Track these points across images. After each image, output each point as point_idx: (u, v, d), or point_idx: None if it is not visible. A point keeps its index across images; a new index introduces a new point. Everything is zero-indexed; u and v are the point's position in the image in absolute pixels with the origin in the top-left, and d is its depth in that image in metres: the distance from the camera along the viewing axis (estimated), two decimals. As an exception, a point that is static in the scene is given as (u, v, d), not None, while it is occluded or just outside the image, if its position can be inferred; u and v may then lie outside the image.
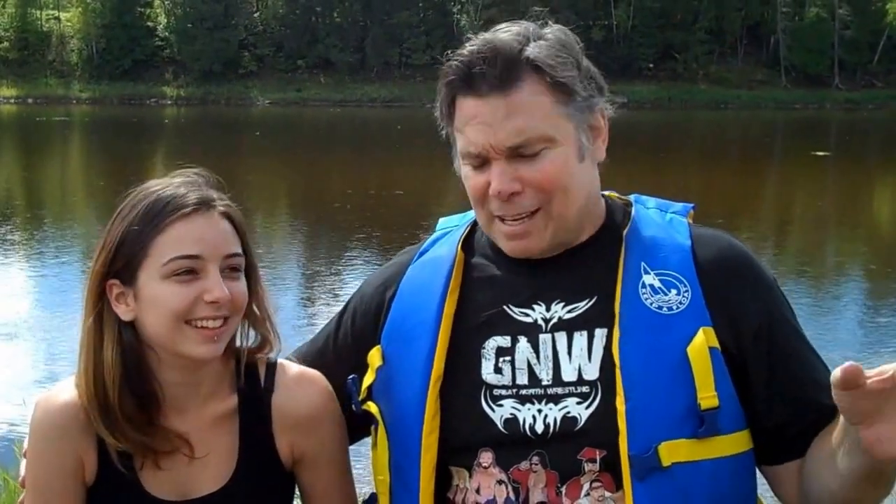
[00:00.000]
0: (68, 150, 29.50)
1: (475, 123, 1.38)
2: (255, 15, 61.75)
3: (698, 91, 55.08)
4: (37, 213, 15.79)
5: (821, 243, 14.16)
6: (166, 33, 59.28)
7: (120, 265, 1.38)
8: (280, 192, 19.11)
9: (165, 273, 1.36)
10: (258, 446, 1.45)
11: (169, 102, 54.03)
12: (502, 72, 1.36)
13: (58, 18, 60.54)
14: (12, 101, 52.12)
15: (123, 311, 1.39)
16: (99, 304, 1.39)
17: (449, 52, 1.44)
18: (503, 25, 1.42)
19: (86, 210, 16.22)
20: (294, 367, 1.51)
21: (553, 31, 1.42)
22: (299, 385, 1.48)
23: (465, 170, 1.44)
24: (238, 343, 1.47)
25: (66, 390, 1.43)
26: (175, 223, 1.37)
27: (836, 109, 51.30)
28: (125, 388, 1.37)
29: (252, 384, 1.47)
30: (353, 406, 1.47)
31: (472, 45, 1.39)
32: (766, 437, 1.38)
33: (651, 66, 56.97)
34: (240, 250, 1.42)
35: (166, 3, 60.32)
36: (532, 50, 1.38)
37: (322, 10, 61.51)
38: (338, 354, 1.55)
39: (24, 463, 1.48)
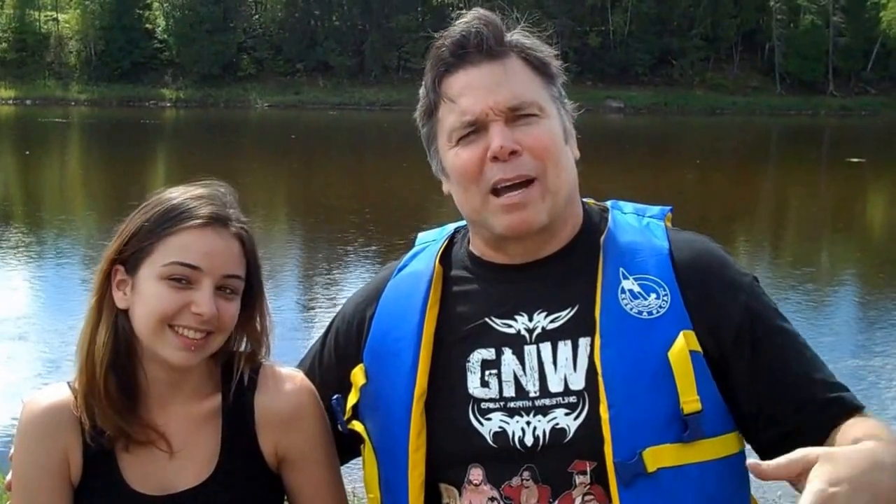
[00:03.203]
0: (68, 152, 29.68)
1: (471, 91, 1.39)
2: (254, 18, 61.92)
3: (694, 97, 55.39)
4: (37, 215, 15.86)
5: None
6: (165, 36, 59.37)
7: (128, 254, 1.43)
8: (279, 194, 19.25)
9: (161, 274, 1.40)
10: (241, 443, 1.46)
11: (168, 105, 54.10)
12: (496, 40, 1.40)
13: (56, 20, 60.58)
14: (10, 102, 52.11)
15: (120, 298, 1.44)
16: (105, 286, 1.44)
17: (437, 35, 1.45)
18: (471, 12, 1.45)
19: (86, 211, 16.36)
20: (276, 367, 1.52)
21: (521, 31, 1.46)
22: (281, 383, 1.49)
23: (452, 152, 1.42)
24: (234, 347, 1.51)
25: (53, 391, 1.47)
26: (184, 231, 1.41)
27: (831, 116, 51.60)
28: (111, 371, 1.41)
29: (237, 384, 1.49)
30: (339, 426, 1.48)
31: (455, 26, 1.42)
32: (763, 437, 1.36)
33: (647, 71, 57.26)
34: (241, 274, 1.45)
35: (165, 5, 60.42)
36: (511, 35, 1.43)
37: (321, 13, 61.73)
38: (323, 376, 1.54)
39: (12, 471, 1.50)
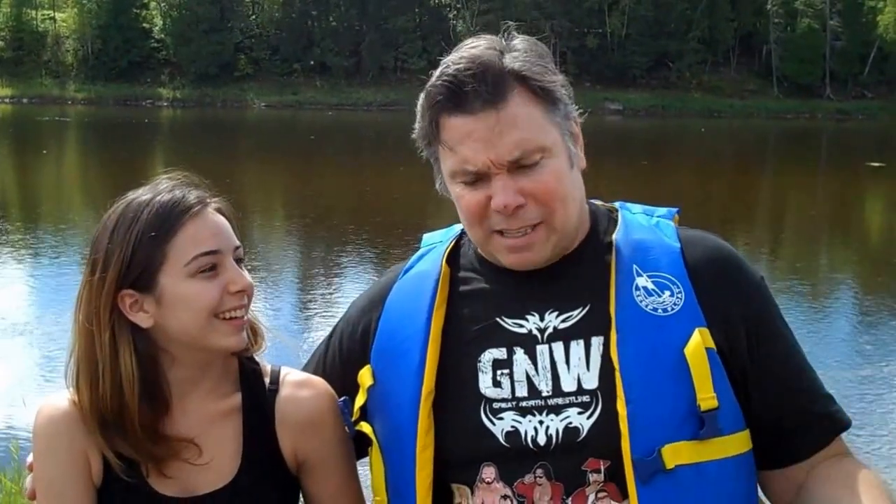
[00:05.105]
0: (65, 151, 29.73)
1: (471, 142, 1.35)
2: (252, 18, 61.99)
3: (691, 99, 55.48)
4: (36, 213, 15.87)
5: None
6: (162, 35, 59.46)
7: (135, 274, 1.39)
8: (277, 195, 19.25)
9: (190, 271, 1.39)
10: (262, 444, 1.47)
11: (165, 104, 54.09)
12: (493, 86, 1.34)
13: (53, 18, 60.62)
14: (7, 100, 52.13)
15: (143, 319, 1.40)
16: (113, 317, 1.40)
17: (431, 71, 1.41)
18: (470, 41, 1.41)
19: (85, 211, 16.32)
20: (298, 372, 1.54)
21: (521, 41, 1.41)
22: (302, 388, 1.50)
23: (457, 188, 1.41)
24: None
25: (67, 395, 1.45)
26: (187, 223, 1.40)
27: (828, 119, 51.71)
28: (143, 395, 1.40)
29: (257, 385, 1.50)
30: (347, 428, 1.48)
31: (454, 63, 1.37)
32: (760, 439, 1.38)
33: (645, 73, 57.37)
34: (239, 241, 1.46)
35: (162, 5, 60.49)
36: (511, 61, 1.37)
37: (318, 14, 61.78)
38: (327, 380, 1.54)
39: (29, 477, 1.49)
